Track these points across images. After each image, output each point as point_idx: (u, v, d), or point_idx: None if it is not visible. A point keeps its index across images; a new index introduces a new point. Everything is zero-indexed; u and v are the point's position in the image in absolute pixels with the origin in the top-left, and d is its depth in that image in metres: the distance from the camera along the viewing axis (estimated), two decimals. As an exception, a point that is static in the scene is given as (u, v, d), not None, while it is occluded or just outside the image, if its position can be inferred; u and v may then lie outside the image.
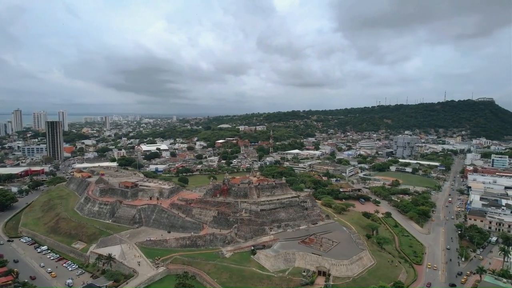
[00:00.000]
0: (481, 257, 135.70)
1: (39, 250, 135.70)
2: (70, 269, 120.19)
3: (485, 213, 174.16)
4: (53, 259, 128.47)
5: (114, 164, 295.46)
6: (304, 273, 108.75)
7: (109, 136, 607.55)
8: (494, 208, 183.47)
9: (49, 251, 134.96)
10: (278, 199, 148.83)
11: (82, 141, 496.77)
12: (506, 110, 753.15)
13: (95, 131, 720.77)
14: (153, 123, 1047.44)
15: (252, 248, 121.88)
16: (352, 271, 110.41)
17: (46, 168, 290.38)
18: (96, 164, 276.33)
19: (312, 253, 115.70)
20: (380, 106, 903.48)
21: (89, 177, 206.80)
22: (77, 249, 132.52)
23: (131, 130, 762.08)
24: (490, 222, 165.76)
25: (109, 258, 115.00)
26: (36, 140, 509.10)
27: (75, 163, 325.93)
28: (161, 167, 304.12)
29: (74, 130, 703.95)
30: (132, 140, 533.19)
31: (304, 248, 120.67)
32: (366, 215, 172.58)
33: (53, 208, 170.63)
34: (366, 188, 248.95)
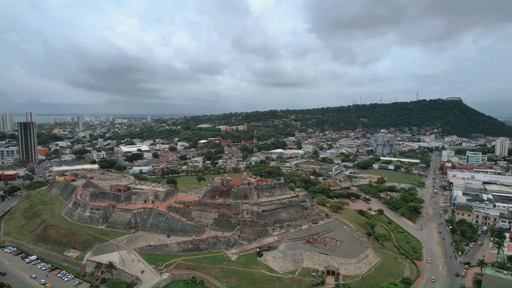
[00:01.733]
0: (479, 242, 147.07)
1: (27, 260, 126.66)
2: (65, 279, 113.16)
3: (471, 208, 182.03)
4: (44, 269, 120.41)
5: (96, 166, 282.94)
6: (314, 273, 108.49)
7: (84, 137, 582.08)
8: (478, 202, 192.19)
9: (39, 261, 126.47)
10: (278, 199, 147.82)
11: (56, 142, 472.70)
12: (473, 109, 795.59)
13: (67, 132, 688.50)
14: (127, 123, 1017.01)
15: (258, 250, 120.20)
16: (360, 269, 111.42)
17: (21, 172, 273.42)
18: (79, 167, 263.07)
19: (320, 253, 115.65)
20: (355, 105, 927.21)
21: (73, 180, 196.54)
22: (71, 257, 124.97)
23: (105, 130, 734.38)
24: (477, 216, 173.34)
25: (110, 266, 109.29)
26: (4, 142, 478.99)
27: (52, 166, 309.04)
28: (145, 168, 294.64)
29: (44, 131, 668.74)
30: (109, 141, 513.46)
31: (310, 248, 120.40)
32: (362, 213, 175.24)
33: (38, 215, 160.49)
34: (354, 186, 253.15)
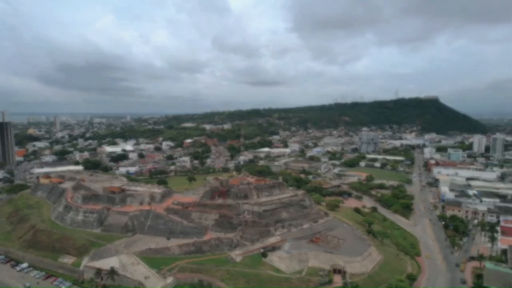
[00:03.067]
0: (474, 232, 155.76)
1: (18, 268, 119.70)
2: (63, 287, 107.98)
3: (461, 203, 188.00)
4: (38, 277, 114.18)
5: (80, 167, 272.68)
6: (321, 273, 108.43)
7: (63, 137, 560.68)
8: (465, 198, 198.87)
9: (31, 268, 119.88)
10: (278, 199, 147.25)
11: (33, 143, 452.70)
12: (448, 107, 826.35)
13: (43, 132, 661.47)
14: (106, 122, 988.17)
15: (262, 250, 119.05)
16: (365, 267, 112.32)
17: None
18: (64, 168, 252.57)
19: (325, 252, 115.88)
20: (337, 104, 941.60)
21: (60, 182, 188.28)
22: (67, 264, 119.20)
23: (84, 130, 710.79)
24: (467, 212, 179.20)
25: (112, 271, 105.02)
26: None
27: (33, 168, 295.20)
28: (132, 169, 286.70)
29: (18, 131, 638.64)
30: (89, 141, 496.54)
31: (314, 247, 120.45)
32: (358, 210, 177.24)
33: (25, 220, 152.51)
34: (345, 184, 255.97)
